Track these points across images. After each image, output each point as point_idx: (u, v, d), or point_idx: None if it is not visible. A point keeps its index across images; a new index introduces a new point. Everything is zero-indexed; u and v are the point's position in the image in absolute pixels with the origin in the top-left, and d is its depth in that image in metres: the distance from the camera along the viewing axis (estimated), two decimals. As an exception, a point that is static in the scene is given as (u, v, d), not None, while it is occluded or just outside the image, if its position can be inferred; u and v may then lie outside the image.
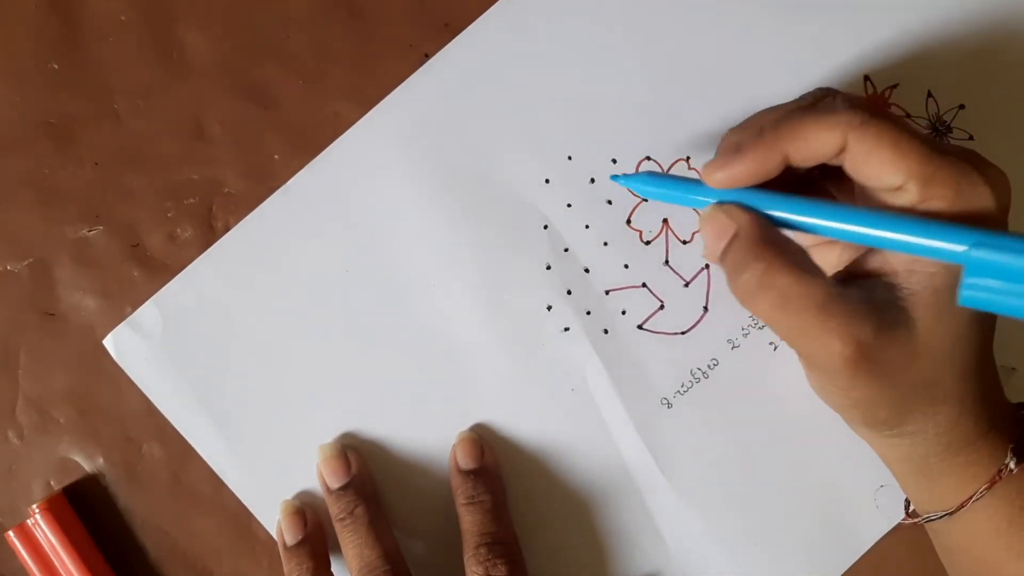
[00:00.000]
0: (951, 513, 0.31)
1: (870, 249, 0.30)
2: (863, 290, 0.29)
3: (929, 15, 0.38)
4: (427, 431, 0.38)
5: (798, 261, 0.29)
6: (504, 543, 0.35)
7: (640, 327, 0.38)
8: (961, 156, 0.28)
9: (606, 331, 0.38)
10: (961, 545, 0.33)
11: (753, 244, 0.29)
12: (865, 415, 0.31)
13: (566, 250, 0.38)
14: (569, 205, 0.38)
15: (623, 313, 0.38)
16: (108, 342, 0.37)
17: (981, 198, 0.27)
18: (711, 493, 0.38)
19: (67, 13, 0.38)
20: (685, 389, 0.38)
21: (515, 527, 0.37)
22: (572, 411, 0.38)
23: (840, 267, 0.32)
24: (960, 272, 0.27)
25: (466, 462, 0.37)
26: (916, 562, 0.34)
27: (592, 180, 0.38)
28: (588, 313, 0.38)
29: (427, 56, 0.38)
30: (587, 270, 0.38)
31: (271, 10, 0.39)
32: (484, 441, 0.38)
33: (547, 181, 0.38)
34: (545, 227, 0.38)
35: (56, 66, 0.38)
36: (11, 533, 0.37)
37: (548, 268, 0.38)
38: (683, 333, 0.38)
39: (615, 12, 0.38)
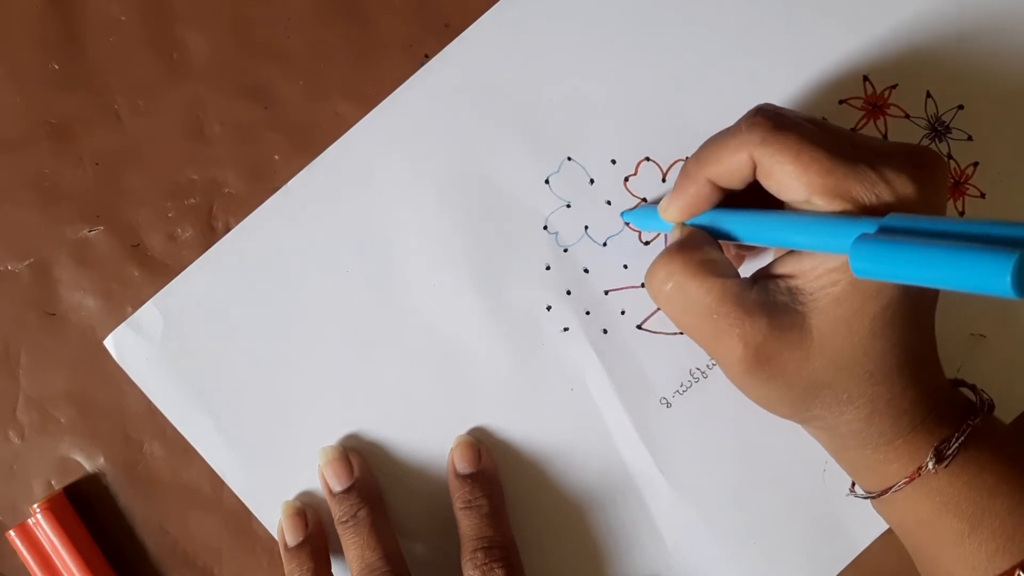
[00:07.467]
0: (875, 496, 0.32)
1: (788, 252, 0.30)
2: (765, 292, 0.29)
3: (929, 15, 0.38)
4: (427, 431, 0.38)
5: (706, 267, 0.30)
6: (501, 547, 0.35)
7: (639, 327, 0.38)
8: (867, 161, 0.28)
9: (605, 331, 0.38)
10: (899, 529, 0.34)
11: (667, 253, 0.31)
12: (770, 409, 0.32)
13: (566, 250, 0.38)
14: (569, 205, 0.38)
15: (622, 313, 0.38)
16: (109, 342, 0.37)
17: (881, 201, 0.27)
18: (710, 493, 0.38)
19: (67, 13, 0.38)
20: (684, 389, 0.38)
21: (514, 528, 0.37)
22: (571, 411, 0.38)
23: None
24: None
25: (463, 466, 0.37)
26: (912, 561, 0.34)
27: (592, 180, 0.38)
28: (587, 313, 0.38)
29: (427, 56, 0.38)
30: (586, 270, 0.38)
31: (271, 10, 0.39)
32: (481, 445, 0.38)
33: (547, 181, 0.38)
34: (545, 227, 0.38)
35: (56, 66, 0.38)
36: (12, 532, 0.37)
37: (548, 268, 0.38)
38: (682, 333, 0.38)
39: (615, 12, 0.38)
